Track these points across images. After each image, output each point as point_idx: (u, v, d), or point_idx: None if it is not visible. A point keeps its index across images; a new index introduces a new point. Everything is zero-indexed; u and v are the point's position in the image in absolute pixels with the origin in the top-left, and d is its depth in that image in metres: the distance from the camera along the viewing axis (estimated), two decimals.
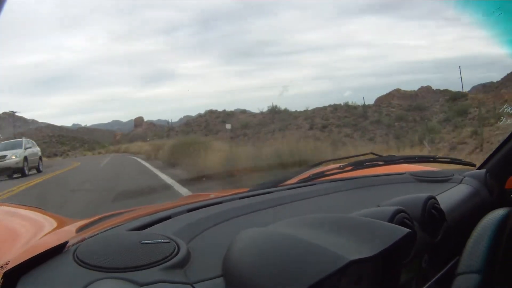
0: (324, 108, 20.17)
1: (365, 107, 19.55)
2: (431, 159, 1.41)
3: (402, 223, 0.63)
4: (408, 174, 1.19)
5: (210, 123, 23.65)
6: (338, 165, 1.15)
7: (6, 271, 0.45)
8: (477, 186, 1.11)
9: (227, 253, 0.49)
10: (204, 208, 0.74)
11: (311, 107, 20.98)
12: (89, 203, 4.75)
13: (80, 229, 0.74)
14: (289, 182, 1.07)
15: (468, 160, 1.41)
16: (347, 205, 0.87)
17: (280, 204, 0.83)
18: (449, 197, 0.98)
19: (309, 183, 1.06)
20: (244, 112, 23.16)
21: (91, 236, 0.57)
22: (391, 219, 0.61)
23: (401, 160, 1.31)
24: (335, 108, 19.96)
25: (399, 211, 0.64)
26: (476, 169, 1.28)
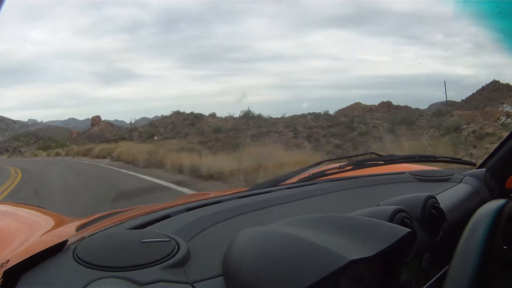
0: (303, 116, 19.39)
1: (351, 117, 19.06)
2: (431, 158, 1.41)
3: (402, 223, 0.62)
4: (408, 174, 1.19)
5: (178, 125, 22.36)
6: (338, 164, 1.15)
7: (6, 269, 0.45)
8: (477, 185, 1.11)
9: (227, 252, 0.49)
10: (203, 207, 0.74)
11: (272, 115, 20.16)
12: None
13: (80, 228, 0.74)
14: (289, 181, 1.07)
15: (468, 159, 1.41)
16: (347, 205, 0.87)
17: (280, 203, 0.83)
18: (449, 196, 0.98)
19: (309, 182, 1.06)
20: (213, 115, 22.06)
21: (91, 235, 0.57)
22: (391, 219, 0.61)
23: (401, 160, 1.31)
24: (315, 116, 19.15)
25: (399, 211, 0.64)
26: (476, 168, 1.28)
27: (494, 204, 0.57)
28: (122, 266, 0.45)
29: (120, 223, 0.66)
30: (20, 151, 25.97)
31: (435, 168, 1.35)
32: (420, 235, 0.70)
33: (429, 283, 0.73)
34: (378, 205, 0.72)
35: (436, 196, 0.80)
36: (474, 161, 1.39)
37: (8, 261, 0.51)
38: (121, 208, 0.90)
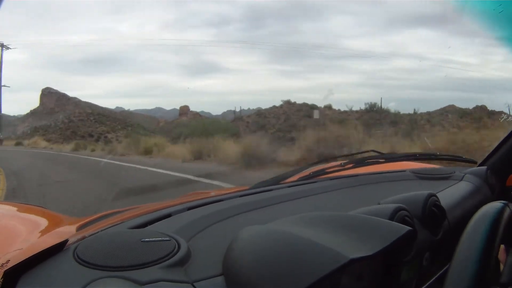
0: (442, 112, 16.63)
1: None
2: (432, 156, 1.41)
3: (402, 221, 0.62)
4: (409, 172, 1.19)
5: (292, 116, 19.59)
6: (339, 162, 1.15)
7: (7, 269, 0.45)
8: (478, 183, 1.11)
9: (227, 251, 0.49)
10: (204, 206, 0.74)
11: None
12: None
13: (81, 227, 0.74)
14: (289, 179, 1.06)
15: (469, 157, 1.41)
16: (347, 203, 0.87)
17: (280, 202, 0.83)
18: (450, 194, 0.98)
19: (310, 180, 1.05)
20: (329, 107, 19.29)
21: (91, 234, 0.57)
22: (392, 217, 0.61)
23: (402, 158, 1.30)
24: (464, 112, 16.21)
25: (399, 209, 0.64)
26: (477, 166, 1.28)
27: (494, 205, 0.57)
28: (122, 265, 0.45)
29: (121, 223, 0.65)
30: (106, 137, 23.10)
31: (436, 166, 1.35)
32: (421, 233, 0.70)
33: (429, 282, 0.73)
34: (378, 203, 0.72)
35: (437, 194, 0.80)
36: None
37: (8, 261, 0.51)
38: (122, 207, 0.90)
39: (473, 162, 1.35)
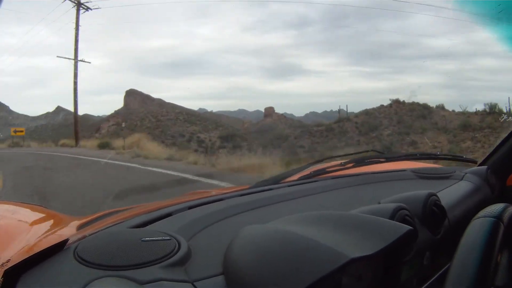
0: None
1: None
2: (433, 156, 1.41)
3: (403, 220, 0.62)
4: (409, 171, 1.19)
5: (404, 117, 17.17)
6: (339, 162, 1.15)
7: (7, 269, 0.45)
8: (478, 182, 1.11)
9: (228, 250, 0.49)
10: (204, 205, 0.74)
11: None
12: None
13: (81, 227, 0.74)
14: (290, 179, 1.06)
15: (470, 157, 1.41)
16: (348, 202, 0.87)
17: (281, 201, 0.83)
18: (450, 194, 0.98)
19: (310, 180, 1.05)
20: (441, 107, 16.88)
21: (92, 234, 0.57)
22: (392, 216, 0.61)
23: (402, 157, 1.30)
24: None
25: (400, 208, 0.64)
26: (478, 166, 1.27)
27: (496, 207, 0.57)
28: (122, 265, 0.45)
29: (121, 222, 0.65)
30: (198, 137, 20.91)
31: (437, 166, 1.35)
32: (421, 232, 0.70)
33: (430, 281, 0.73)
34: (379, 203, 0.72)
35: (437, 194, 0.80)
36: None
37: (8, 260, 0.51)
38: (122, 207, 0.90)
39: (473, 162, 1.35)
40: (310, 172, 1.10)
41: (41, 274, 0.45)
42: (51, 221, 0.88)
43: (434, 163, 1.47)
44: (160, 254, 0.47)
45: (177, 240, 0.52)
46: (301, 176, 1.08)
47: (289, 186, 0.98)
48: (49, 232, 0.75)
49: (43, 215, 0.97)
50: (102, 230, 0.60)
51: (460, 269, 0.35)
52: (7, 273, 0.44)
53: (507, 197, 1.16)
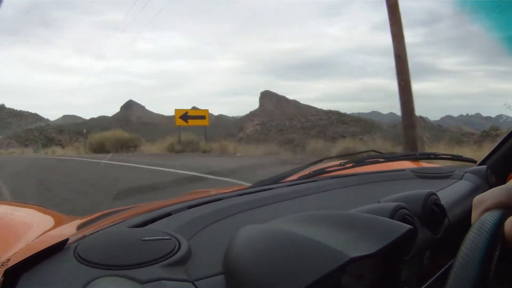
0: None
1: None
2: (432, 155, 1.41)
3: (403, 220, 0.62)
4: (408, 171, 1.19)
5: None
6: (339, 162, 1.15)
7: (7, 269, 0.45)
8: (478, 182, 1.11)
9: (227, 250, 0.49)
10: (204, 205, 0.74)
11: None
12: None
13: (81, 227, 0.74)
14: (289, 178, 1.06)
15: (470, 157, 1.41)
16: (347, 202, 0.87)
17: (280, 200, 0.83)
18: (450, 193, 0.98)
19: (310, 179, 1.05)
20: None
21: (92, 233, 0.57)
22: (392, 216, 0.61)
23: (402, 157, 1.31)
24: None
25: (399, 207, 0.64)
26: (477, 165, 1.28)
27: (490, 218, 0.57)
28: (123, 264, 0.45)
29: (121, 222, 0.65)
30: (361, 139, 18.56)
31: (436, 165, 1.35)
32: (421, 232, 0.70)
33: (430, 280, 0.73)
34: (379, 202, 0.72)
35: (437, 193, 0.80)
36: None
37: (8, 260, 0.51)
38: (122, 206, 0.90)
39: (473, 162, 1.35)
40: (310, 172, 1.10)
41: (41, 274, 0.45)
42: (51, 221, 0.88)
43: (433, 162, 1.48)
44: (160, 254, 0.47)
45: (177, 240, 0.52)
46: (301, 176, 1.08)
47: (288, 186, 0.98)
48: (49, 232, 0.75)
49: (43, 215, 0.97)
50: (102, 229, 0.60)
51: (462, 269, 0.35)
52: (7, 272, 0.44)
53: None
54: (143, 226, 0.62)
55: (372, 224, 0.49)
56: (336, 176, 1.08)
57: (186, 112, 15.89)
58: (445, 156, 1.42)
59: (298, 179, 1.06)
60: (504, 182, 1.23)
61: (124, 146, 18.64)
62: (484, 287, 0.34)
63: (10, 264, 0.46)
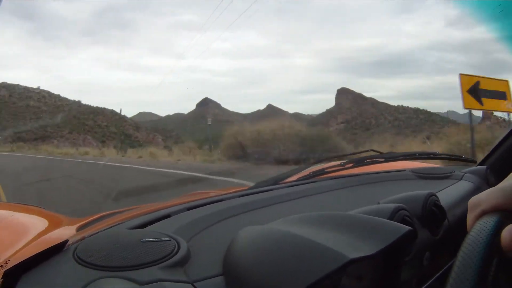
0: None
1: None
2: (432, 155, 1.41)
3: (402, 221, 0.62)
4: (408, 171, 1.19)
5: None
6: (338, 162, 1.15)
7: (7, 270, 0.45)
8: (478, 182, 1.11)
9: (227, 251, 0.49)
10: (204, 206, 0.74)
11: None
12: None
13: (80, 228, 0.74)
14: (289, 179, 1.06)
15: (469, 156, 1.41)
16: (347, 203, 0.87)
17: (280, 202, 0.83)
18: (450, 193, 0.98)
19: (309, 180, 1.05)
20: None
21: (91, 235, 0.57)
22: (391, 217, 0.61)
23: (402, 157, 1.30)
24: None
25: (399, 209, 0.64)
26: (477, 165, 1.28)
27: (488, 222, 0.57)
28: (122, 266, 0.45)
29: (121, 223, 0.65)
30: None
31: (436, 166, 1.35)
32: (421, 233, 0.70)
33: (429, 281, 0.73)
34: (378, 203, 0.72)
35: (437, 194, 0.80)
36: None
37: (8, 261, 0.51)
38: (121, 208, 0.90)
39: (473, 162, 1.35)
40: (310, 173, 1.10)
41: (40, 275, 0.45)
42: (51, 222, 0.88)
43: (433, 163, 1.47)
44: (160, 255, 0.47)
45: (176, 241, 0.52)
46: (301, 177, 1.08)
47: (288, 186, 0.98)
48: (49, 233, 0.75)
49: (42, 216, 0.97)
50: (101, 231, 0.60)
51: (461, 270, 0.35)
52: (6, 274, 0.44)
53: None
54: (142, 228, 0.62)
55: (372, 225, 0.49)
56: (336, 177, 1.08)
57: (477, 83, 7.77)
58: (445, 156, 1.42)
59: (298, 179, 1.06)
60: None
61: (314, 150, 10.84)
62: None
63: (10, 265, 0.46)
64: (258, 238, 0.48)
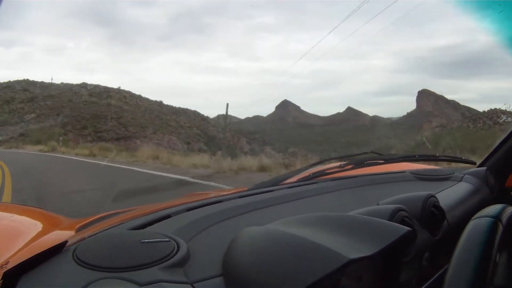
0: None
1: None
2: (431, 157, 1.41)
3: (402, 222, 0.62)
4: (408, 173, 1.19)
5: None
6: (338, 163, 1.15)
7: (6, 271, 0.45)
8: (477, 184, 1.11)
9: (227, 252, 0.49)
10: (203, 207, 0.74)
11: None
12: None
13: (80, 229, 0.74)
14: (289, 180, 1.06)
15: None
16: (347, 204, 0.87)
17: (280, 202, 0.83)
18: (449, 195, 0.98)
19: (310, 181, 1.05)
20: None
21: (91, 236, 0.57)
22: (391, 218, 0.61)
23: (401, 159, 1.31)
24: None
25: (399, 210, 0.64)
26: (477, 167, 1.28)
27: (494, 207, 0.57)
28: (122, 266, 0.45)
29: (120, 224, 0.65)
30: None
31: (435, 167, 1.35)
32: (420, 234, 0.70)
33: (429, 282, 0.73)
34: (378, 204, 0.72)
35: (436, 195, 0.80)
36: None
37: (7, 262, 0.51)
38: (121, 209, 0.90)
39: (472, 163, 1.35)
40: (310, 174, 1.10)
41: (40, 276, 0.45)
42: (50, 223, 0.88)
43: (433, 164, 1.48)
44: (159, 256, 0.47)
45: (176, 242, 0.52)
46: (301, 178, 1.08)
47: (288, 187, 0.98)
48: (48, 234, 0.75)
49: (42, 217, 0.97)
50: (101, 232, 0.60)
51: (458, 270, 0.35)
52: (6, 274, 0.44)
53: (506, 198, 1.16)
54: (142, 228, 0.62)
55: (371, 226, 0.49)
56: (335, 178, 1.08)
57: None
58: (445, 158, 1.42)
59: (298, 181, 1.06)
60: (503, 184, 1.23)
61: None
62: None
63: (9, 266, 0.46)
64: (258, 239, 0.48)
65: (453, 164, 1.45)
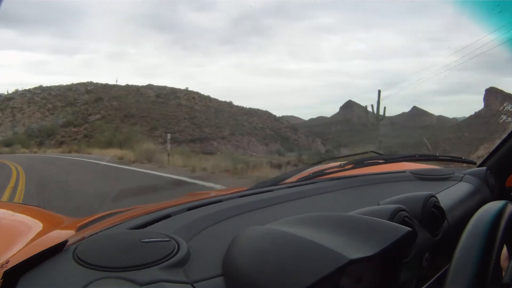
0: None
1: None
2: (432, 157, 1.41)
3: (402, 222, 0.62)
4: (408, 172, 1.19)
5: None
6: (338, 163, 1.15)
7: (6, 270, 0.45)
8: (478, 184, 1.11)
9: (227, 251, 0.49)
10: (204, 207, 0.74)
11: None
12: None
13: (80, 228, 0.74)
14: (289, 180, 1.06)
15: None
16: (347, 204, 0.87)
17: (280, 202, 0.83)
18: (450, 195, 0.98)
19: (309, 181, 1.05)
20: None
21: (91, 235, 0.57)
22: (391, 218, 0.61)
23: (402, 158, 1.30)
24: None
25: (399, 210, 0.64)
26: (477, 167, 1.28)
27: (495, 204, 0.57)
28: (122, 266, 0.45)
29: (120, 223, 0.65)
30: None
31: (436, 167, 1.35)
32: (421, 234, 0.70)
33: (429, 282, 0.73)
34: (378, 204, 0.72)
35: (437, 195, 0.80)
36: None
37: (7, 261, 0.51)
38: (121, 208, 0.90)
39: (472, 163, 1.35)
40: (309, 174, 1.10)
41: (40, 276, 0.45)
42: (51, 222, 0.88)
43: (433, 164, 1.47)
44: (160, 256, 0.47)
45: (176, 242, 0.52)
46: (300, 178, 1.08)
47: (288, 187, 0.98)
48: (49, 234, 0.75)
49: (42, 216, 0.97)
50: (101, 231, 0.60)
51: (459, 267, 0.35)
52: (6, 274, 0.44)
53: (506, 198, 1.16)
54: (142, 228, 0.62)
55: (372, 226, 0.49)
56: (335, 178, 1.08)
57: None
58: (445, 158, 1.42)
59: (298, 180, 1.06)
60: (503, 184, 1.23)
61: None
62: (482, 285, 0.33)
63: (10, 265, 0.46)
64: (258, 239, 0.48)
65: (454, 164, 1.45)
